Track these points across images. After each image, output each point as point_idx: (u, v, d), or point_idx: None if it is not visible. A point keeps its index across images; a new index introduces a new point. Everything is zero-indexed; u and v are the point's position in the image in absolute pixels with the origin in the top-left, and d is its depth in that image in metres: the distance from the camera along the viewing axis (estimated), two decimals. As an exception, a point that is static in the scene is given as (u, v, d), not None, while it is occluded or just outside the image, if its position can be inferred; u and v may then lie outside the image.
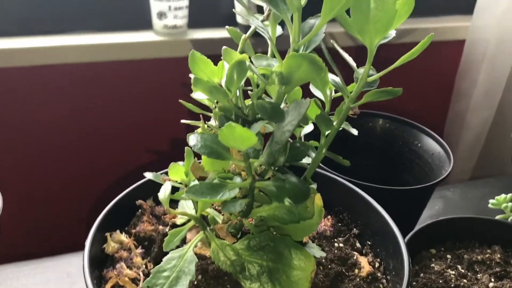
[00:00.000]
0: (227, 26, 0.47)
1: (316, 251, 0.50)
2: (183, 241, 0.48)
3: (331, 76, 0.47)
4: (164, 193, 0.43)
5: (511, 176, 0.98)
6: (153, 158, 1.12)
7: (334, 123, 0.46)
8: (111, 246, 0.51)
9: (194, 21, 1.06)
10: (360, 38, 0.42)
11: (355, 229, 0.59)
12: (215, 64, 0.43)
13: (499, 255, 0.65)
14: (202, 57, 0.41)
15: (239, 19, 1.05)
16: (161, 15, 1.00)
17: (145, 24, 1.03)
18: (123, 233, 0.54)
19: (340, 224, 0.60)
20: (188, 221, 0.48)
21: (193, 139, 0.41)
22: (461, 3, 1.24)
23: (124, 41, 0.99)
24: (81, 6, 0.98)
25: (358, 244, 0.57)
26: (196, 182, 0.47)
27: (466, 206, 0.99)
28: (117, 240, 0.52)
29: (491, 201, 0.70)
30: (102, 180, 1.09)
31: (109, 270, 0.50)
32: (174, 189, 0.47)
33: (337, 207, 0.61)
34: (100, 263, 0.51)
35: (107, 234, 0.52)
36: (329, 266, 0.52)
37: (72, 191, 1.08)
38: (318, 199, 0.46)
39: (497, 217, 0.70)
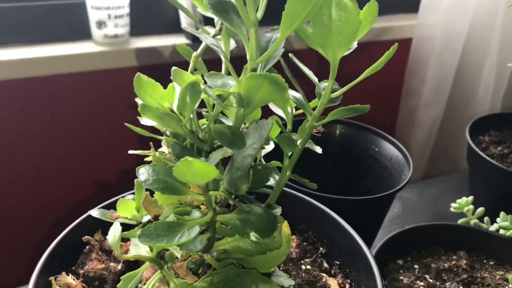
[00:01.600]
0: (176, 43, 0.43)
1: (285, 280, 0.46)
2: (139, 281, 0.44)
3: (291, 93, 0.43)
4: (113, 236, 0.38)
5: (464, 172, 0.98)
6: (98, 187, 1.04)
7: (298, 143, 0.43)
8: (61, 281, 0.46)
9: (137, 29, 1.00)
10: (322, 52, 0.39)
11: (321, 248, 0.56)
12: (163, 79, 0.38)
13: (465, 261, 0.64)
14: (150, 81, 0.37)
15: (184, 25, 1.00)
16: (100, 24, 0.93)
17: (84, 34, 0.96)
18: (70, 274, 0.48)
19: (305, 244, 0.57)
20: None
21: (143, 173, 0.36)
22: (406, 2, 1.24)
23: (61, 53, 0.92)
24: (15, 18, 0.91)
25: (326, 264, 0.54)
26: (149, 217, 0.42)
27: (424, 207, 0.99)
28: (63, 284, 0.47)
29: (453, 205, 0.69)
30: (44, 213, 1.01)
31: (56, 320, 0.45)
32: (124, 225, 0.42)
33: (301, 225, 0.58)
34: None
35: (51, 278, 0.46)
36: (298, 292, 0.49)
37: (15, 223, 1.00)
38: (285, 227, 0.43)
39: (460, 221, 0.69)
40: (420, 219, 0.93)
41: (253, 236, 0.37)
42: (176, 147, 0.37)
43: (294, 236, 0.57)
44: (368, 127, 0.85)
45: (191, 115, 0.39)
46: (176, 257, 0.43)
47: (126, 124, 0.41)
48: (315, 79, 0.42)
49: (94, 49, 0.95)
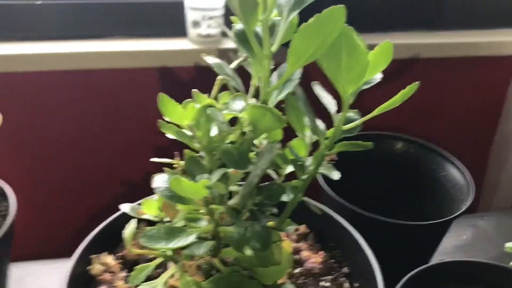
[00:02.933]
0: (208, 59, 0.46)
1: (292, 293, 0.49)
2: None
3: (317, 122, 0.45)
4: (128, 231, 0.44)
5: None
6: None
7: (311, 168, 0.45)
8: (95, 268, 0.53)
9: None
10: (334, 85, 0.41)
11: (346, 268, 0.57)
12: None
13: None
14: (170, 101, 0.41)
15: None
16: (195, 24, 1.01)
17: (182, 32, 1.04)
18: (112, 255, 0.55)
19: (332, 261, 0.58)
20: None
21: (157, 181, 0.41)
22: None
23: (158, 48, 1.00)
24: (121, 13, 1.01)
25: (347, 285, 0.56)
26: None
27: (497, 238, 0.93)
28: (102, 262, 0.54)
29: (507, 244, 0.66)
30: (98, 195, 1.10)
31: (89, 293, 0.52)
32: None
33: (331, 242, 0.60)
34: (84, 284, 0.53)
35: (92, 256, 0.54)
36: (309, 307, 0.51)
37: (79, 197, 1.10)
38: (287, 246, 0.46)
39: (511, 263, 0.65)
40: (487, 251, 0.88)
41: (247, 250, 0.41)
42: (189, 162, 0.41)
43: (321, 252, 0.58)
44: (437, 149, 0.82)
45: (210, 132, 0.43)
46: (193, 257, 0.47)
47: (160, 121, 0.43)
48: (331, 110, 0.44)
49: (188, 47, 1.02)
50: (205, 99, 0.41)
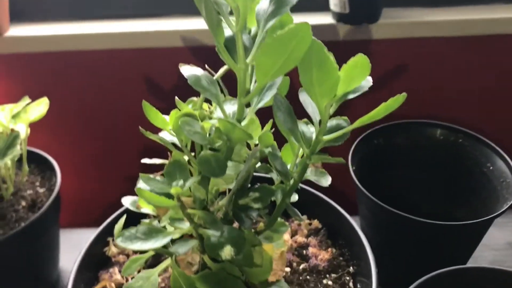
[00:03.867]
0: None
1: (282, 292, 0.50)
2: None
3: (301, 126, 0.45)
4: (117, 225, 0.47)
5: None
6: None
7: (295, 176, 0.45)
8: (111, 249, 0.58)
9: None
10: (309, 97, 0.40)
11: (352, 267, 0.57)
12: None
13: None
14: (152, 108, 0.43)
15: (333, 7, 1.01)
16: None
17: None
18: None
19: (341, 259, 0.58)
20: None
21: (141, 182, 0.43)
22: None
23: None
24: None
25: (351, 284, 0.55)
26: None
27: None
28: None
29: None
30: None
31: (104, 272, 0.56)
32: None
33: (341, 240, 0.59)
34: (100, 264, 0.58)
35: (110, 238, 0.58)
36: (306, 305, 0.52)
37: (117, 170, 1.17)
38: (269, 249, 0.46)
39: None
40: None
41: (223, 254, 0.42)
42: (170, 165, 0.43)
43: (330, 249, 0.58)
44: (487, 142, 0.77)
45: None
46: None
47: (140, 129, 0.46)
48: (315, 119, 0.43)
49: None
50: (185, 108, 0.42)
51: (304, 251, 0.58)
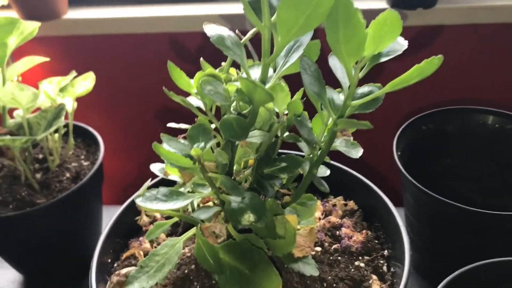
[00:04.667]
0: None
1: (308, 269, 0.48)
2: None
3: (330, 93, 0.43)
4: (142, 187, 0.47)
5: None
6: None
7: (322, 145, 0.43)
8: (143, 218, 0.58)
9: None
10: (337, 58, 0.38)
11: (386, 250, 0.54)
12: None
13: None
14: (176, 69, 0.42)
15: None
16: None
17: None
18: (161, 209, 0.60)
19: (376, 242, 0.55)
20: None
21: (164, 145, 0.43)
22: None
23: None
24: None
25: (384, 268, 0.53)
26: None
27: None
28: (150, 214, 0.58)
29: None
30: None
31: (134, 241, 0.57)
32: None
33: (377, 222, 0.57)
34: (131, 232, 0.58)
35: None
36: (334, 285, 0.50)
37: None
38: (293, 221, 0.45)
39: None
40: None
41: (244, 220, 0.41)
42: (193, 128, 0.42)
43: (364, 231, 0.56)
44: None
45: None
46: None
47: (164, 89, 0.45)
48: (344, 84, 0.41)
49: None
50: (208, 69, 0.41)
51: (337, 232, 0.56)
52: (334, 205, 0.59)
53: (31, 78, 1.07)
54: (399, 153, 0.70)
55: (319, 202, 0.57)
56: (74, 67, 1.08)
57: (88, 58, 1.08)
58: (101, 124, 1.04)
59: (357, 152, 0.44)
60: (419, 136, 0.76)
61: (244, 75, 0.42)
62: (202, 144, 0.41)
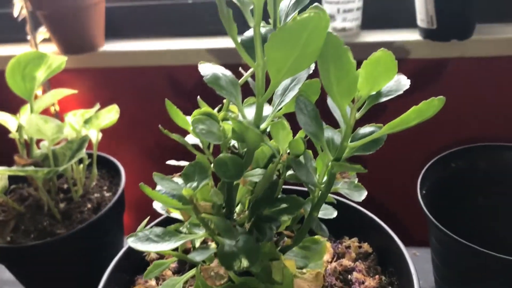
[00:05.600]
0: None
1: (310, 316, 0.46)
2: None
3: (327, 133, 0.41)
4: (140, 227, 0.46)
5: None
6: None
7: (323, 187, 0.41)
8: (151, 255, 0.57)
9: (370, 22, 1.00)
10: (334, 102, 0.36)
11: (400, 298, 0.51)
12: None
13: None
14: (173, 107, 0.42)
15: (420, 23, 0.94)
16: (330, 17, 0.98)
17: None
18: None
19: (390, 287, 0.52)
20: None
21: (159, 185, 0.42)
22: None
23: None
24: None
25: (395, 318, 0.49)
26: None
27: None
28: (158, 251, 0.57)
29: None
30: None
31: (140, 277, 0.56)
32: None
33: (390, 267, 0.53)
34: (138, 268, 0.57)
35: (150, 243, 0.57)
36: (341, 334, 0.47)
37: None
38: (291, 266, 0.42)
39: None
40: None
41: (236, 265, 0.39)
42: (189, 166, 0.41)
43: (377, 277, 0.53)
44: None
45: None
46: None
47: (160, 127, 0.44)
48: (341, 125, 0.39)
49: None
50: (204, 107, 0.40)
51: (349, 276, 0.53)
52: (348, 247, 0.57)
53: (67, 108, 1.10)
54: (423, 192, 0.67)
55: (329, 244, 0.55)
56: (107, 96, 1.11)
57: (117, 89, 1.11)
58: (125, 154, 1.05)
59: (360, 195, 0.42)
60: (447, 174, 0.72)
61: (251, 110, 0.41)
62: (195, 183, 0.40)
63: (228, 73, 0.40)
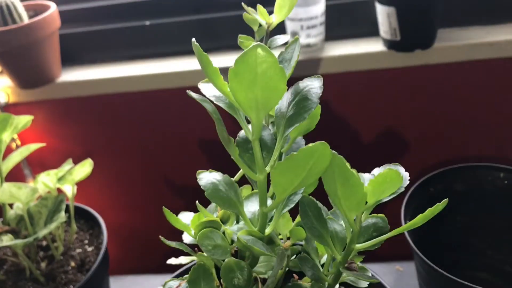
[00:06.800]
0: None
1: None
2: None
3: (332, 225, 0.41)
4: None
5: None
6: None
7: (329, 279, 0.41)
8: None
9: (333, 33, 1.00)
10: (339, 210, 0.36)
11: None
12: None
13: None
14: (172, 215, 0.41)
15: (383, 34, 0.95)
16: (294, 34, 0.97)
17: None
18: None
19: None
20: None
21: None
22: None
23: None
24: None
25: None
26: None
27: None
28: None
29: None
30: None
31: None
32: None
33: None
34: None
35: None
36: None
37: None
38: None
39: None
40: None
41: None
42: (194, 271, 0.41)
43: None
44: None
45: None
46: None
47: (161, 237, 0.44)
48: (347, 229, 0.39)
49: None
50: (204, 214, 0.40)
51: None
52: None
53: (28, 140, 1.06)
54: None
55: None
56: (69, 127, 1.07)
57: (79, 118, 1.08)
58: (101, 201, 1.03)
59: (364, 283, 0.43)
60: (426, 200, 0.74)
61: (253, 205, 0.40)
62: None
63: (226, 179, 0.39)
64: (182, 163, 1.10)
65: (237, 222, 0.43)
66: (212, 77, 0.34)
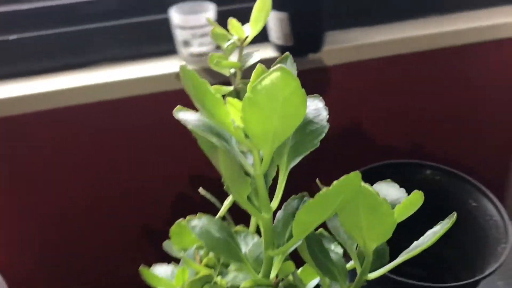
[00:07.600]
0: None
1: None
2: None
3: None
4: None
5: None
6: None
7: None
8: None
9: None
10: (353, 239, 0.33)
11: None
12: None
13: None
14: (153, 276, 0.34)
15: (275, 40, 0.93)
16: (186, 43, 0.91)
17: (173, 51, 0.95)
18: None
19: None
20: None
21: None
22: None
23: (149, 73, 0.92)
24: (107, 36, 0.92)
25: None
26: None
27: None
28: None
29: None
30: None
31: None
32: None
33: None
34: None
35: None
36: None
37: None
38: None
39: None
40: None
41: None
42: None
43: None
44: (466, 178, 0.74)
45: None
46: None
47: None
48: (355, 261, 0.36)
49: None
50: (197, 268, 0.33)
51: None
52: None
53: None
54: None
55: None
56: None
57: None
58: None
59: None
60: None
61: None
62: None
63: (214, 220, 0.34)
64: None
65: (226, 267, 0.37)
66: (211, 106, 0.28)
